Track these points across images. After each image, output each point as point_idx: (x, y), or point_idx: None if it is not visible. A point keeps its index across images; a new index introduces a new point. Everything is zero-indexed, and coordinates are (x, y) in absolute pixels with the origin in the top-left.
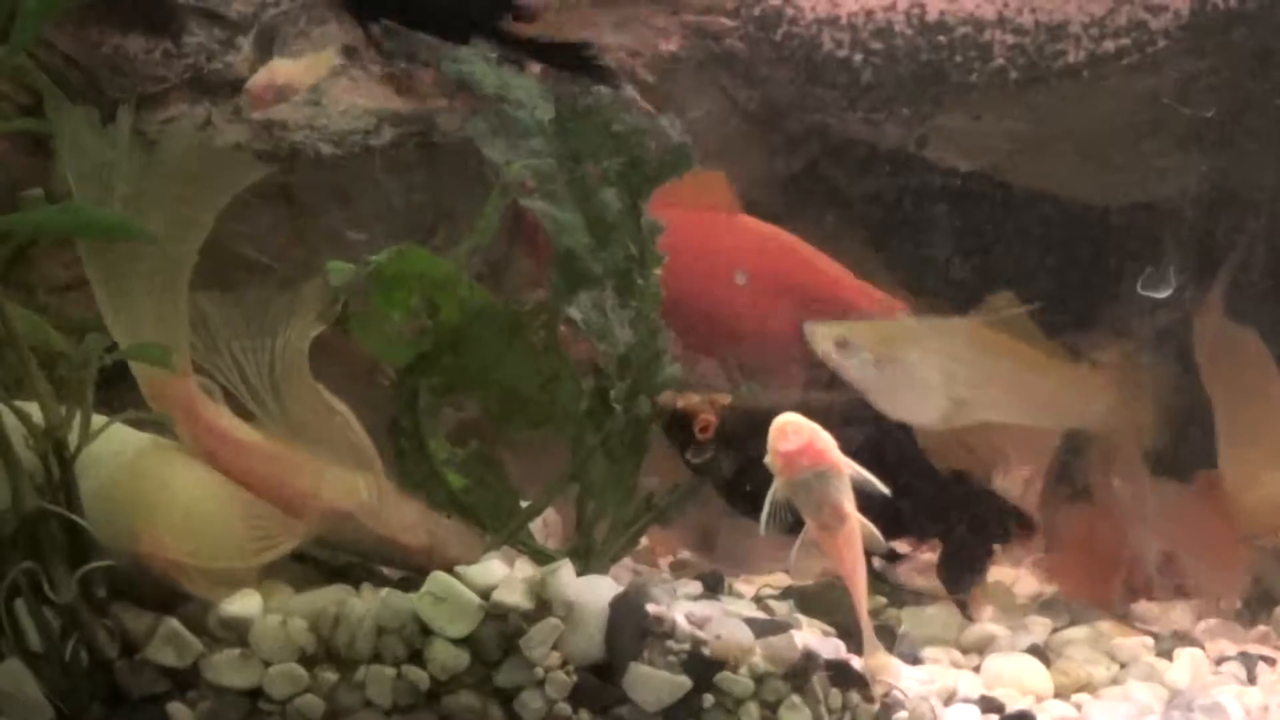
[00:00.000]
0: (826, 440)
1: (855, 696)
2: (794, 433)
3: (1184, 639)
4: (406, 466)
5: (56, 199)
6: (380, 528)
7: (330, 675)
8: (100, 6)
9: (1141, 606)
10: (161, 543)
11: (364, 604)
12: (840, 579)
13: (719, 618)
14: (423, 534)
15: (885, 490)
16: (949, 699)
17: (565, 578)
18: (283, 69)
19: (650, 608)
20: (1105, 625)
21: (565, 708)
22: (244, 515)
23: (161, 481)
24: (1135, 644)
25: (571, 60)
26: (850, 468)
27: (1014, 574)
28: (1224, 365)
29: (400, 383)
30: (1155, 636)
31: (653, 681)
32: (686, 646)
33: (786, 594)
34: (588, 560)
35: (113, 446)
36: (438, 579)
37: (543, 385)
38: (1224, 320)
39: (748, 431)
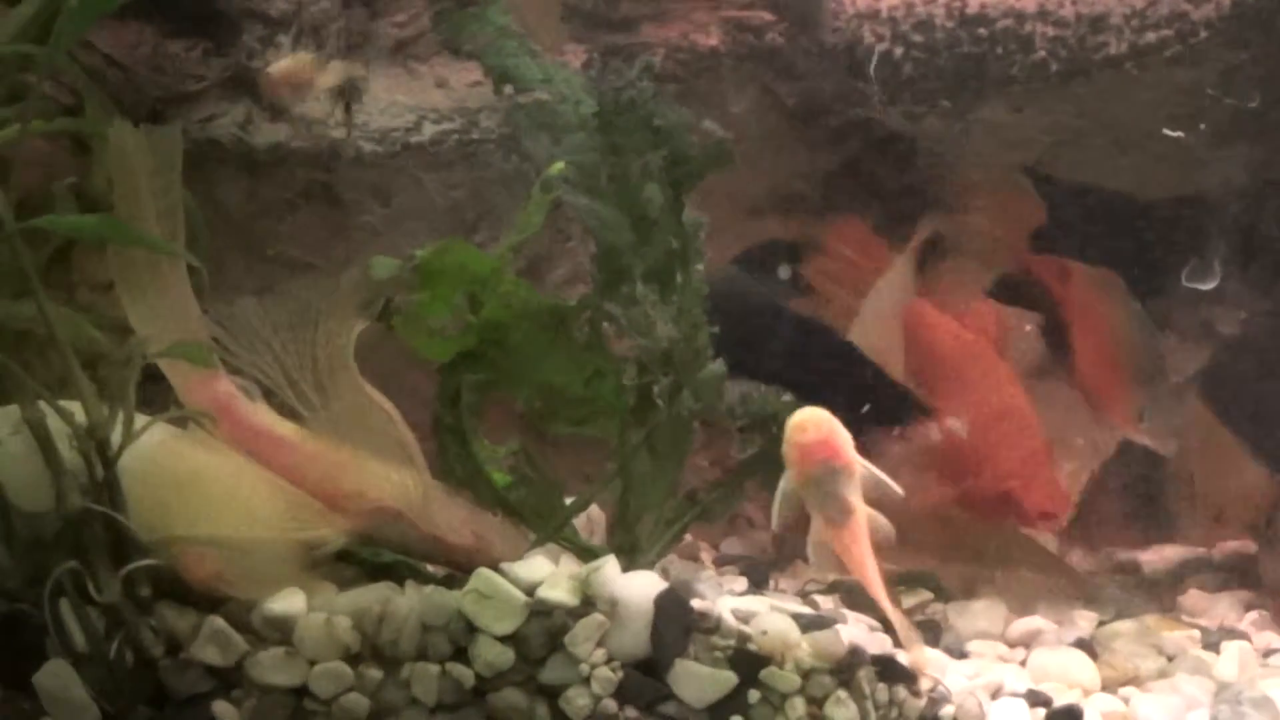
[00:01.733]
0: (843, 437)
1: (902, 691)
2: (813, 426)
3: (1231, 632)
4: (449, 463)
5: (94, 197)
6: (426, 526)
7: (375, 673)
8: (140, 6)
9: (1189, 600)
10: (199, 553)
11: (408, 602)
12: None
13: (764, 613)
14: (468, 533)
15: (899, 491)
16: (996, 693)
17: (610, 574)
18: (302, 61)
19: (695, 603)
20: (1152, 619)
21: (611, 705)
22: (283, 501)
23: (194, 471)
24: (1182, 637)
25: None
26: (864, 467)
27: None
28: None
29: (443, 379)
30: (1202, 629)
31: (698, 677)
32: (732, 642)
33: (832, 588)
34: (632, 556)
35: (147, 441)
36: (482, 576)
37: (586, 382)
38: None
39: None
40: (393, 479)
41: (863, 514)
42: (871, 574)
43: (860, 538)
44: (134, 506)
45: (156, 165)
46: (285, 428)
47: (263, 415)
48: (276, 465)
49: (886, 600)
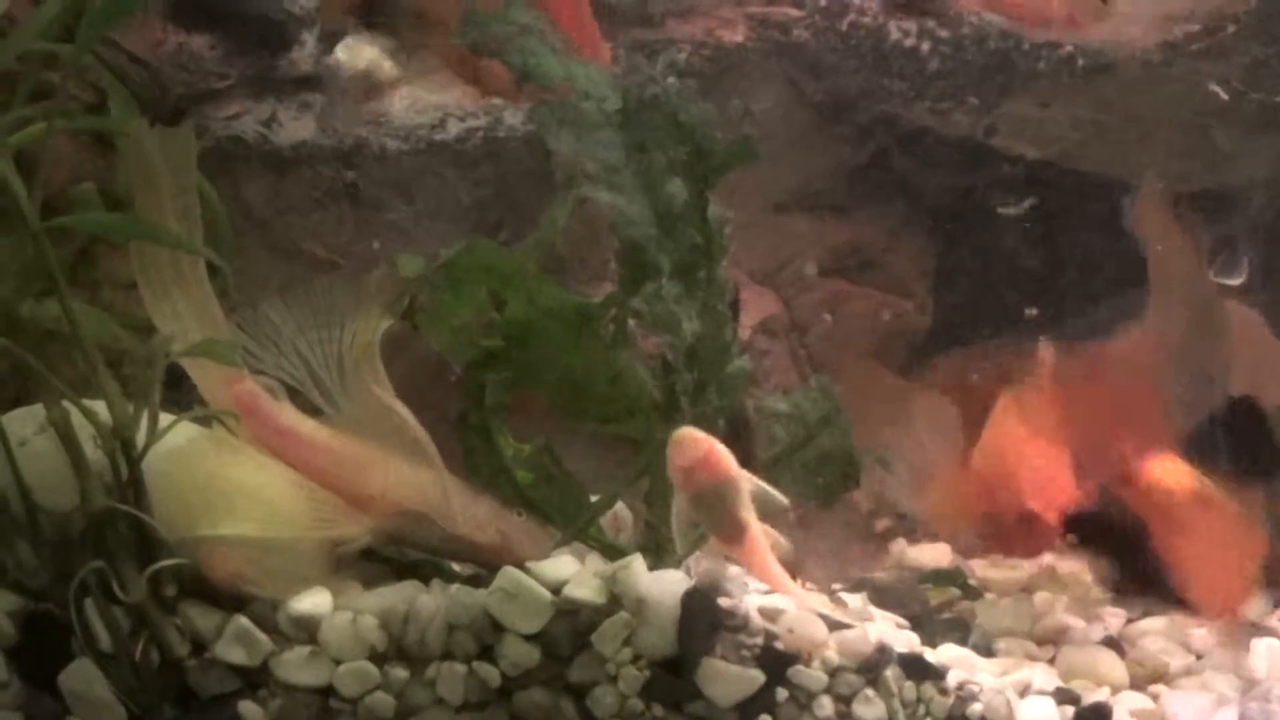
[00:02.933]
0: (723, 453)
1: (929, 689)
2: (691, 446)
3: (1260, 629)
4: (474, 461)
5: (118, 196)
6: (451, 525)
7: (401, 672)
8: (164, 4)
9: None
10: (223, 552)
11: (434, 601)
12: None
13: (792, 611)
14: (493, 531)
15: (784, 502)
16: (1024, 691)
17: (636, 572)
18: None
19: (722, 601)
20: (1180, 616)
21: (638, 703)
22: (306, 499)
23: (217, 470)
24: (1210, 634)
25: None
26: (749, 480)
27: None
28: None
29: (468, 377)
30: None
31: (726, 676)
32: (759, 640)
33: (859, 586)
34: (659, 555)
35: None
36: (508, 575)
37: (611, 380)
38: None
39: None
40: (418, 478)
41: (757, 525)
42: (780, 579)
43: (759, 548)
44: (158, 506)
45: (172, 166)
46: (310, 427)
47: (288, 414)
48: (302, 465)
49: (803, 596)
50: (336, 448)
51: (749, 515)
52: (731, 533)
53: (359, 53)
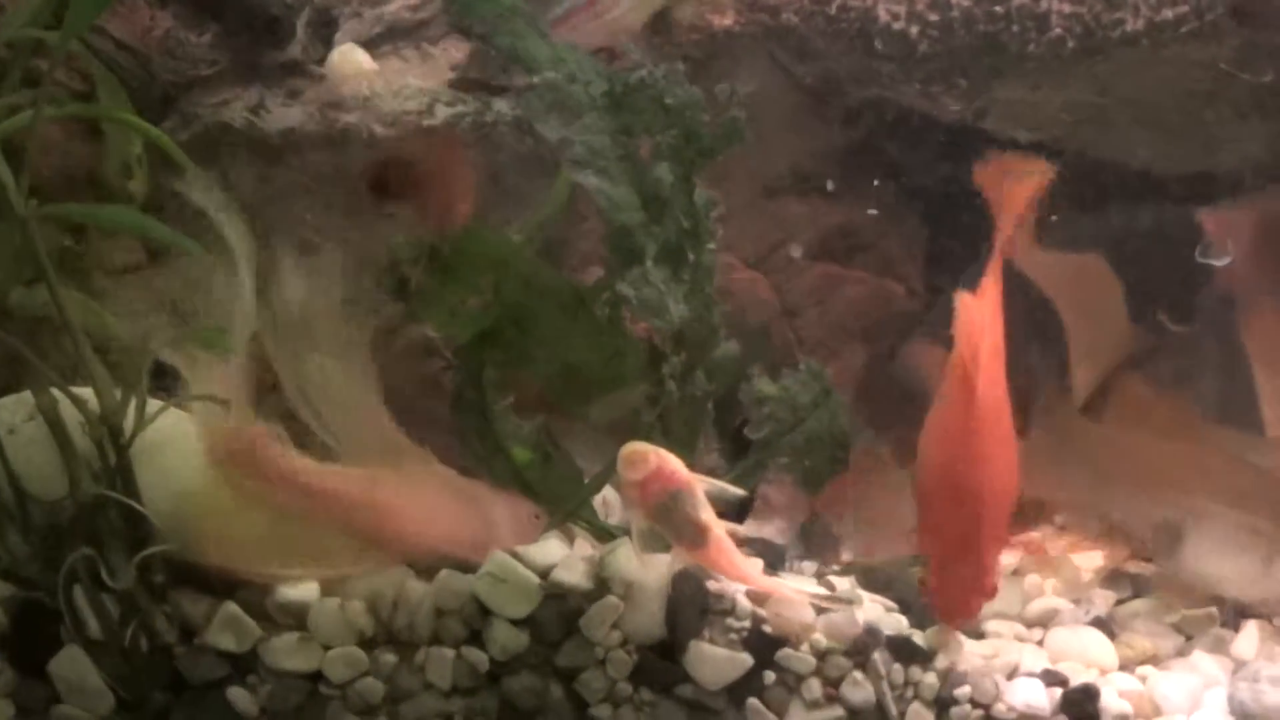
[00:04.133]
0: (672, 461)
1: (918, 671)
2: (641, 461)
3: (1249, 610)
4: (470, 443)
5: (107, 184)
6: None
7: (390, 658)
8: None
9: None
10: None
11: (422, 586)
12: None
13: (779, 595)
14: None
15: (741, 493)
16: (1012, 673)
17: (624, 556)
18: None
19: (711, 585)
20: (1170, 596)
21: (626, 687)
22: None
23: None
24: (1201, 615)
25: None
26: (702, 481)
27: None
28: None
29: (464, 359)
30: (1220, 607)
31: (714, 659)
32: (747, 624)
33: (848, 570)
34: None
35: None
36: (497, 559)
37: (605, 362)
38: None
39: None
40: (453, 517)
41: (718, 526)
42: (753, 575)
43: (724, 549)
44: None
45: None
46: (329, 476)
47: (302, 465)
48: (326, 518)
49: (781, 586)
50: (361, 493)
51: (709, 517)
52: (695, 538)
53: (351, 57)
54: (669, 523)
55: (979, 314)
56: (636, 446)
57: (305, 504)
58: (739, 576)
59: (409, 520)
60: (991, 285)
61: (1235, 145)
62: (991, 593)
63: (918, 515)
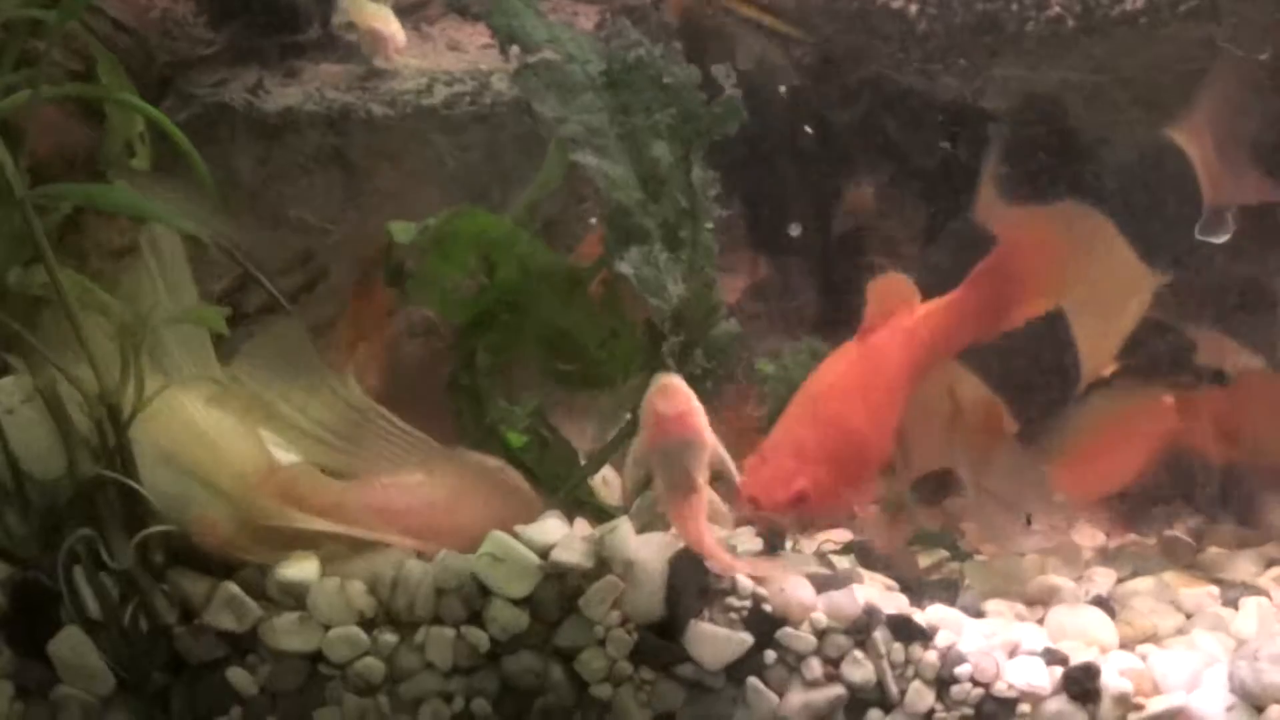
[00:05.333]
0: (700, 413)
1: (918, 650)
2: (673, 398)
3: (1250, 588)
4: (464, 425)
5: (106, 164)
6: None
7: (390, 638)
8: None
9: (1208, 556)
10: (212, 518)
11: (422, 566)
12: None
13: (780, 573)
14: None
15: (737, 476)
16: (1013, 652)
17: (624, 536)
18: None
19: (710, 564)
20: (1170, 575)
21: (626, 667)
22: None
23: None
24: (1201, 593)
25: None
26: (714, 445)
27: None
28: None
29: (459, 341)
30: (1221, 585)
31: (714, 639)
32: (747, 603)
33: (848, 549)
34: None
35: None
36: (496, 539)
37: (601, 343)
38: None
39: None
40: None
41: (705, 491)
42: (710, 546)
43: (699, 513)
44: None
45: None
46: (368, 492)
47: (342, 490)
48: (379, 533)
49: (732, 562)
50: (397, 500)
51: (702, 478)
52: (680, 489)
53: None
54: (667, 464)
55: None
56: (675, 382)
57: (357, 525)
58: (695, 540)
59: (456, 512)
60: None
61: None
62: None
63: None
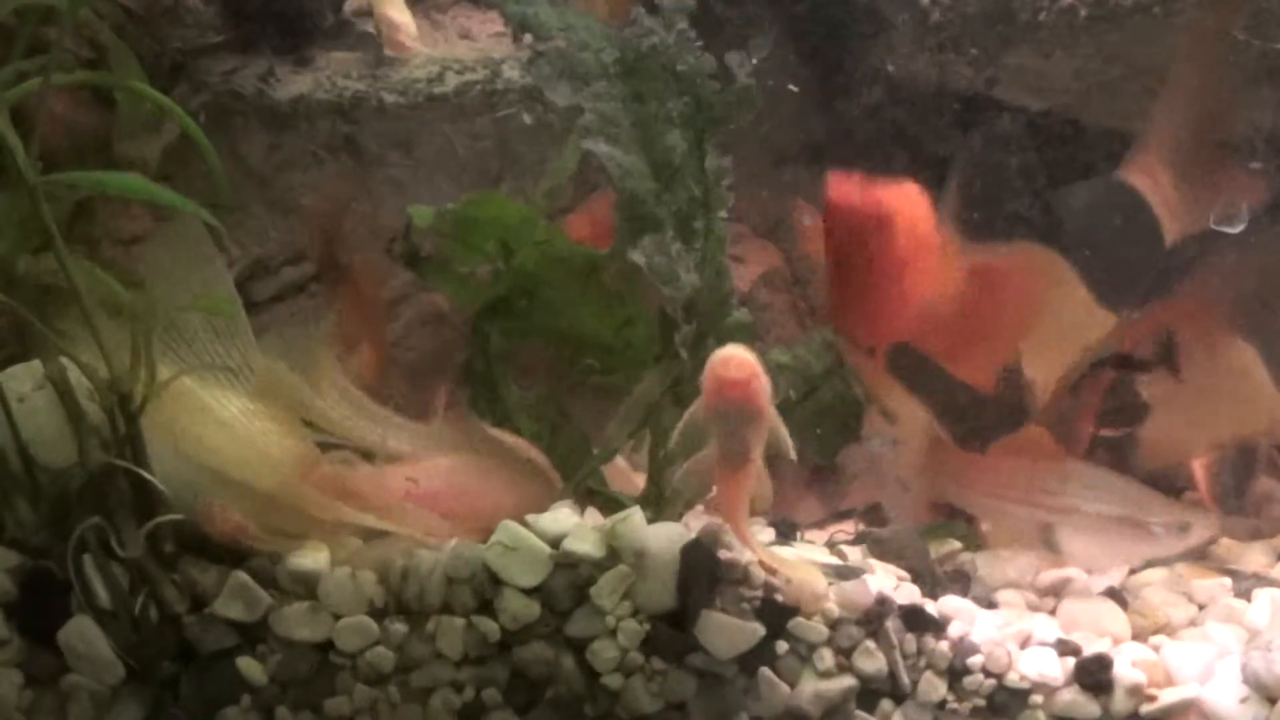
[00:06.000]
0: (765, 384)
1: (930, 640)
2: (739, 366)
3: (1263, 579)
4: (479, 410)
5: (116, 153)
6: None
7: (400, 627)
8: None
9: (1220, 548)
10: (223, 507)
11: (433, 555)
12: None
13: (791, 563)
14: None
15: (792, 454)
16: (1025, 642)
17: (635, 525)
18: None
19: (722, 554)
20: (1182, 567)
21: (637, 657)
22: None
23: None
24: (1213, 585)
25: None
26: (773, 420)
27: None
28: None
29: (475, 327)
30: (1233, 577)
31: (726, 629)
32: (759, 593)
33: (860, 539)
34: (659, 508)
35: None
36: (507, 528)
37: (617, 330)
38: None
39: None
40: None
41: (756, 466)
42: (743, 523)
43: (744, 486)
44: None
45: None
46: (399, 476)
47: (374, 477)
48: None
49: (756, 546)
50: (434, 484)
51: (756, 453)
52: (733, 459)
53: None
54: (724, 432)
55: None
56: (742, 350)
57: (396, 511)
58: (732, 517)
59: (487, 492)
60: None
61: (1246, 113)
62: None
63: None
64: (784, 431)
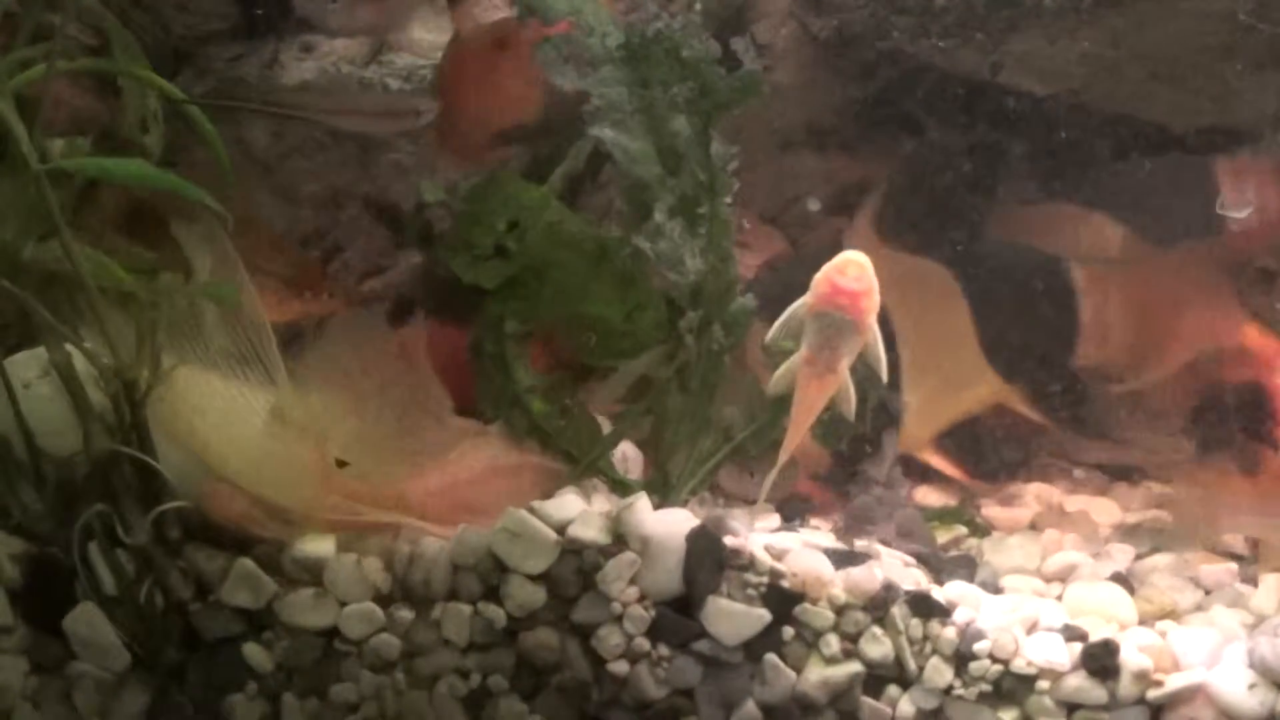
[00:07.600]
0: (876, 300)
1: (936, 626)
2: (856, 275)
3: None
4: (490, 392)
5: (122, 140)
6: None
7: (406, 614)
8: None
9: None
10: (228, 494)
11: (438, 542)
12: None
13: (798, 550)
14: None
15: (884, 377)
16: (1031, 628)
17: (641, 511)
18: None
19: (728, 540)
20: (1189, 552)
21: (643, 643)
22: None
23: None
24: (1220, 570)
25: None
26: (874, 337)
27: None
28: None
29: (486, 308)
30: (1240, 562)
31: (732, 615)
32: (765, 579)
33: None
34: (665, 493)
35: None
36: (513, 515)
37: (627, 315)
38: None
39: None
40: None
41: (842, 378)
42: (802, 424)
43: (819, 397)
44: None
45: None
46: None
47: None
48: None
49: (787, 453)
50: (434, 484)
51: (844, 364)
52: (820, 364)
53: None
54: (823, 335)
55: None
56: (863, 259)
57: (419, 510)
58: (797, 419)
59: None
60: None
61: (1252, 99)
62: None
63: None
64: (882, 355)
